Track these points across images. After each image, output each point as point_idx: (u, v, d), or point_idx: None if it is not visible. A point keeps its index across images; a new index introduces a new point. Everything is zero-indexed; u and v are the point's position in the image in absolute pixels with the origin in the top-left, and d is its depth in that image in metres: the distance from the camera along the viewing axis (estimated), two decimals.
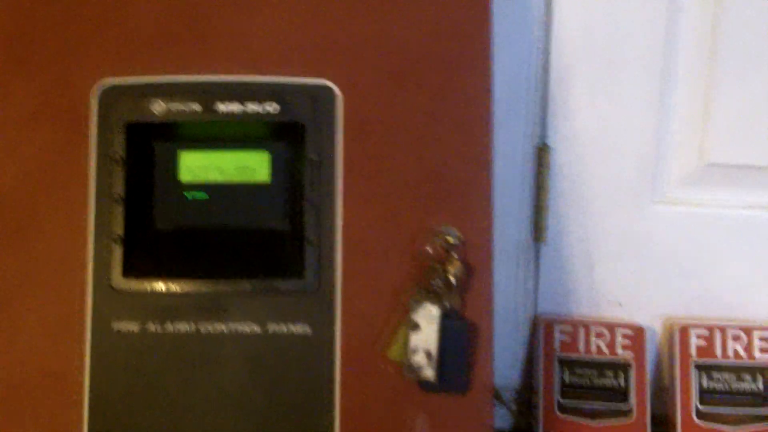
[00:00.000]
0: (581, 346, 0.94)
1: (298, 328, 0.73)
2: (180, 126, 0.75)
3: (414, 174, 0.75)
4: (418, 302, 0.72)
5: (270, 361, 0.72)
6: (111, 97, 0.74)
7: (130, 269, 0.73)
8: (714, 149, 0.93)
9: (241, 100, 0.74)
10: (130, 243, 0.73)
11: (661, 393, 0.97)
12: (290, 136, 0.75)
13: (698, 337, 0.94)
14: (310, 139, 0.74)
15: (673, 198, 0.95)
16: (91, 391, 0.72)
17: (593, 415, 0.93)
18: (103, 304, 0.73)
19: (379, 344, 0.73)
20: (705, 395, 0.92)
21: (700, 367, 0.93)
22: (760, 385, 0.93)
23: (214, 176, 0.76)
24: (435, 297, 0.72)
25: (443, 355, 0.72)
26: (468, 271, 0.74)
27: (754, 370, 0.93)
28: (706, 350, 0.93)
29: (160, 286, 0.73)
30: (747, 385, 0.93)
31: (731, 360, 0.93)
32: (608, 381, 0.93)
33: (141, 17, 0.75)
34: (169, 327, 0.72)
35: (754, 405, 0.92)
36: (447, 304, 0.73)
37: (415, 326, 0.71)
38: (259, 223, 0.76)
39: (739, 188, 0.95)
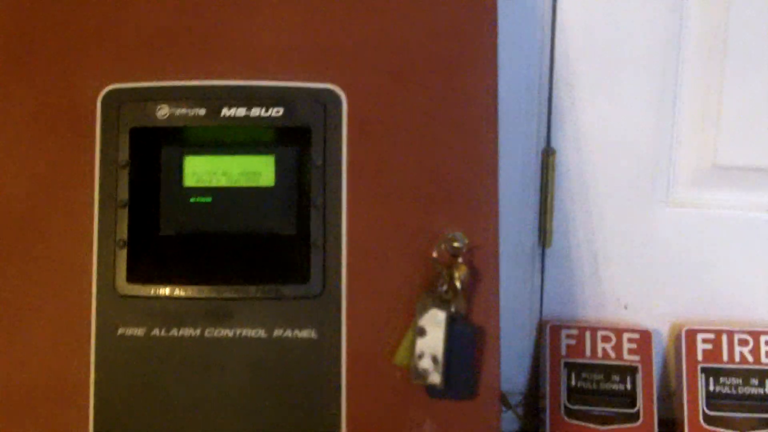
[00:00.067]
0: (588, 350, 0.94)
1: (304, 333, 0.72)
2: (185, 130, 0.75)
3: (419, 178, 0.75)
4: (424, 307, 0.72)
5: (275, 365, 0.72)
6: (116, 102, 0.74)
7: (135, 274, 0.73)
8: (721, 151, 0.93)
9: (246, 104, 0.74)
10: (134, 248, 0.73)
11: (668, 397, 0.96)
12: (295, 140, 0.75)
13: (705, 341, 0.94)
14: (315, 143, 0.74)
15: (680, 200, 0.95)
16: (96, 396, 0.72)
17: (600, 419, 0.92)
18: (108, 309, 0.72)
19: (385, 349, 0.73)
20: (712, 399, 0.92)
21: (707, 371, 0.93)
22: (767, 390, 0.92)
23: (218, 181, 0.76)
24: (441, 302, 0.72)
25: (450, 359, 0.72)
26: (474, 275, 0.74)
27: (761, 374, 0.93)
28: (713, 354, 0.93)
29: (164, 291, 0.73)
30: (754, 389, 0.92)
31: (738, 364, 0.93)
32: (615, 385, 0.93)
33: (146, 22, 0.75)
34: (174, 332, 0.72)
35: (761, 409, 0.92)
36: (453, 308, 0.72)
37: (421, 331, 0.71)
38: (264, 228, 0.76)
39: (747, 190, 0.94)
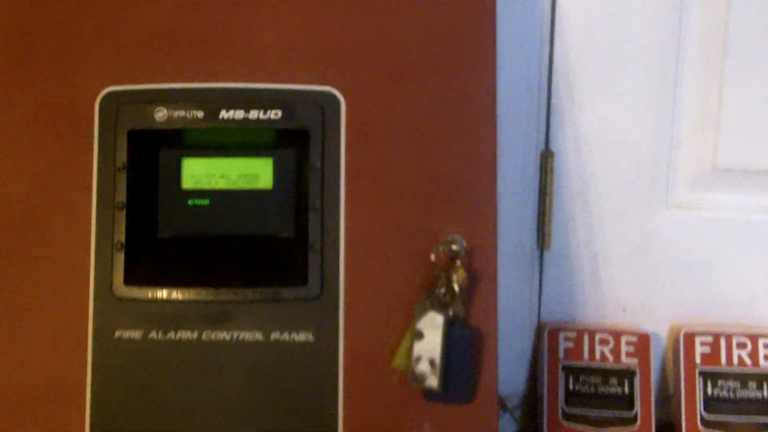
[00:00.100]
0: (586, 353, 0.94)
1: (302, 336, 0.72)
2: (183, 133, 0.75)
3: (418, 180, 0.75)
4: (422, 310, 0.72)
5: (273, 368, 0.72)
6: (114, 104, 0.74)
7: (133, 277, 0.73)
8: (721, 152, 0.93)
9: (244, 107, 0.74)
10: (132, 250, 0.73)
11: (666, 400, 0.96)
12: (293, 142, 0.75)
13: (703, 344, 0.94)
14: (314, 145, 0.74)
15: (680, 202, 0.94)
16: (93, 398, 0.72)
17: (598, 422, 0.92)
18: (105, 311, 0.72)
19: (383, 352, 0.73)
20: (710, 403, 0.92)
21: (705, 375, 0.93)
22: (766, 393, 0.92)
23: (217, 183, 0.76)
24: (439, 305, 0.72)
25: (447, 363, 0.71)
26: (472, 278, 0.74)
27: (759, 378, 0.93)
28: (712, 357, 0.93)
29: (162, 293, 0.73)
30: (752, 392, 0.92)
31: (736, 367, 0.93)
32: (613, 388, 0.93)
33: (144, 25, 0.75)
34: (172, 335, 0.72)
35: (759, 413, 0.92)
36: (451, 311, 0.72)
37: (419, 334, 0.71)
38: (263, 230, 0.76)
39: (747, 192, 0.94)
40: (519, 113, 0.92)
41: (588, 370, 0.94)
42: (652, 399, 0.93)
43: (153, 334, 0.72)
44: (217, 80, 0.75)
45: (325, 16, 0.76)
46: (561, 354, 0.94)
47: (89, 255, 0.73)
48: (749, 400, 0.92)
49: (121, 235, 0.73)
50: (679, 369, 0.93)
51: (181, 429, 0.72)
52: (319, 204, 0.74)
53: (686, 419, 0.92)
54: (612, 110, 0.92)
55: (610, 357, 0.94)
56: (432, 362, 0.71)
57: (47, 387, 0.72)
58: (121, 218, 0.73)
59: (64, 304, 0.73)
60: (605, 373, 0.93)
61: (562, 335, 0.94)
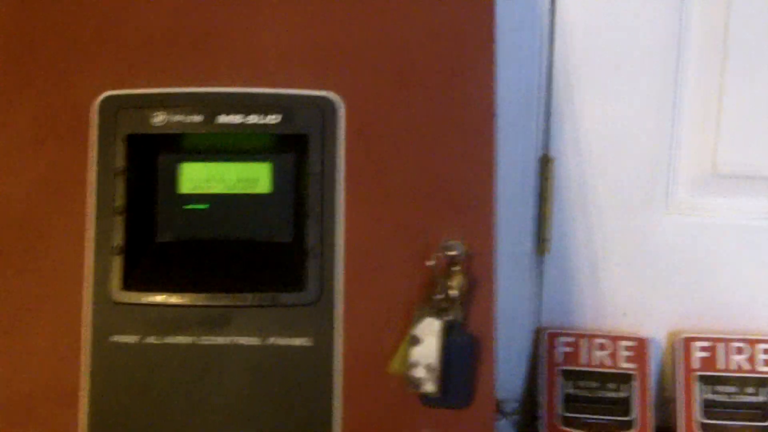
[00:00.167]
0: (584, 357, 0.94)
1: (299, 341, 0.72)
2: (181, 137, 0.75)
3: (417, 185, 0.75)
4: (420, 315, 0.72)
5: (270, 373, 0.72)
6: (112, 109, 0.74)
7: (130, 281, 0.73)
8: (722, 158, 0.93)
9: (243, 111, 0.74)
10: (130, 255, 0.73)
11: (665, 405, 0.96)
12: (292, 147, 0.75)
13: (701, 349, 0.94)
14: (312, 150, 0.74)
15: (680, 207, 0.94)
16: (90, 402, 0.72)
17: (596, 427, 0.93)
18: (103, 316, 0.72)
19: (381, 357, 0.73)
20: (708, 408, 0.92)
21: (703, 379, 0.93)
22: (763, 398, 0.92)
23: (215, 188, 0.76)
24: (437, 310, 0.72)
25: (445, 368, 0.71)
26: (470, 283, 0.73)
27: (757, 383, 0.93)
28: (710, 362, 0.93)
29: (159, 298, 0.73)
30: (750, 397, 0.92)
31: (734, 372, 0.93)
32: (611, 393, 0.93)
33: (143, 29, 0.75)
34: (169, 339, 0.72)
35: (757, 418, 0.92)
36: (449, 317, 0.72)
37: (416, 340, 0.71)
38: (261, 235, 0.76)
39: (747, 197, 0.94)
40: (518, 117, 0.92)
41: (586, 375, 0.94)
42: (650, 403, 0.93)
43: (150, 339, 0.72)
44: (215, 84, 0.75)
45: (324, 21, 0.76)
46: (559, 358, 0.94)
47: (87, 259, 0.73)
48: (747, 405, 0.92)
49: (118, 240, 0.73)
50: (677, 373, 0.93)
51: None
52: (318, 209, 0.74)
53: (684, 423, 0.92)
54: (612, 114, 0.92)
55: (609, 361, 0.94)
56: (429, 368, 0.71)
57: (44, 391, 0.72)
58: (119, 223, 0.73)
59: (61, 308, 0.73)
60: (603, 378, 0.94)
61: (560, 340, 0.94)
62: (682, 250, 0.95)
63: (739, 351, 0.93)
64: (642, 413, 0.92)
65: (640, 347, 0.94)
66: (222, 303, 0.72)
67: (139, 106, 0.74)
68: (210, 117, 0.74)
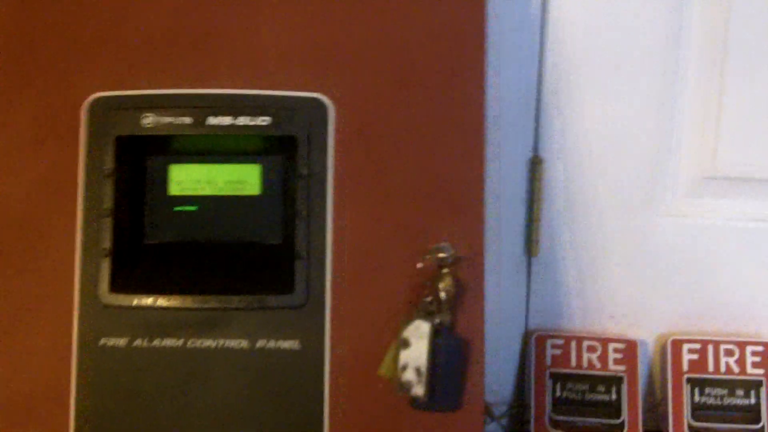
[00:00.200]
0: (573, 360, 0.94)
1: (287, 343, 0.72)
2: (171, 139, 0.75)
3: (405, 187, 0.75)
4: (409, 318, 0.72)
5: (259, 376, 0.72)
6: (101, 110, 0.74)
7: (118, 284, 0.72)
8: (722, 161, 0.93)
9: (232, 113, 0.74)
10: (118, 257, 0.73)
11: (654, 408, 0.96)
12: (281, 149, 0.75)
13: (691, 351, 0.94)
14: (302, 152, 0.74)
15: (674, 209, 0.95)
16: (77, 405, 0.72)
17: (585, 429, 0.93)
18: (91, 319, 0.72)
19: (369, 360, 0.73)
20: (697, 410, 0.92)
21: (692, 382, 0.93)
22: (753, 401, 0.92)
23: (204, 190, 0.76)
24: (426, 313, 0.72)
25: (434, 371, 0.71)
26: (459, 286, 0.73)
27: (747, 385, 0.93)
28: (699, 364, 0.93)
29: (148, 301, 0.72)
30: (739, 400, 0.93)
31: (724, 375, 0.93)
32: (600, 395, 0.93)
33: (133, 31, 0.75)
34: (157, 342, 0.72)
35: (746, 420, 0.92)
36: (438, 320, 0.72)
37: (405, 343, 0.71)
38: (250, 237, 0.76)
39: (745, 199, 0.94)
40: (509, 119, 0.92)
41: (575, 377, 0.94)
42: (640, 406, 0.93)
43: (138, 342, 0.72)
44: (205, 86, 0.75)
45: (314, 23, 0.76)
46: (548, 361, 0.94)
47: (75, 262, 0.73)
48: (736, 407, 0.93)
49: (107, 242, 0.73)
50: (666, 376, 0.93)
51: None
52: (307, 211, 0.74)
53: (673, 426, 0.92)
54: (609, 115, 0.92)
55: (598, 364, 0.94)
56: (418, 371, 0.71)
57: (33, 394, 0.72)
58: (108, 225, 0.73)
59: (49, 311, 0.72)
60: (593, 380, 0.94)
61: (549, 342, 0.94)
62: (676, 252, 0.95)
63: (729, 353, 0.94)
64: (631, 416, 0.92)
65: (629, 350, 0.94)
66: (211, 306, 0.72)
67: (128, 107, 0.74)
68: (199, 119, 0.74)
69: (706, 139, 0.92)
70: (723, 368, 0.93)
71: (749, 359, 0.93)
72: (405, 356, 0.71)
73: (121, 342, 0.72)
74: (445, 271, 0.73)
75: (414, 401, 0.72)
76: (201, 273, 0.74)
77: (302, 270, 0.73)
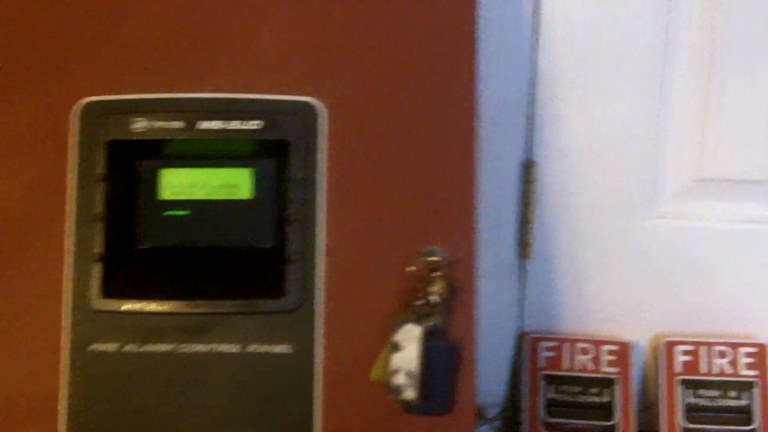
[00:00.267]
0: (566, 362, 0.94)
1: (279, 348, 0.72)
2: (162, 143, 0.75)
3: (398, 191, 0.75)
4: (400, 322, 0.72)
5: (251, 381, 0.72)
6: (92, 115, 0.74)
7: (110, 289, 0.72)
8: (710, 163, 0.93)
9: (224, 117, 0.74)
10: (110, 262, 0.73)
11: (647, 409, 0.96)
12: (273, 153, 0.75)
13: (684, 353, 0.94)
14: (294, 156, 0.74)
15: (665, 212, 0.95)
16: (68, 412, 0.71)
17: (578, 431, 0.93)
18: (82, 324, 0.72)
19: (362, 364, 0.73)
20: (691, 412, 0.92)
21: (685, 383, 0.93)
22: (746, 402, 0.92)
23: (196, 194, 0.76)
24: (417, 317, 0.72)
25: (426, 375, 0.71)
26: (451, 289, 0.73)
27: (740, 387, 0.93)
28: (692, 366, 0.93)
29: (139, 306, 0.72)
30: (732, 401, 0.93)
31: (717, 376, 0.93)
32: (593, 397, 0.93)
33: (124, 35, 0.75)
34: (148, 347, 0.72)
35: (740, 422, 0.92)
36: (430, 323, 0.72)
37: (397, 346, 0.71)
38: (242, 242, 0.75)
39: (733, 202, 0.94)
40: (501, 122, 0.92)
41: (569, 379, 0.94)
42: (633, 408, 0.93)
43: (129, 347, 0.72)
44: (196, 90, 0.74)
45: (306, 26, 0.76)
46: (542, 363, 0.94)
47: (66, 266, 0.72)
48: (729, 409, 0.93)
49: (98, 247, 0.72)
50: (659, 377, 0.94)
51: None
52: (299, 215, 0.73)
53: (667, 428, 0.92)
54: (597, 120, 0.92)
55: (591, 366, 0.94)
56: (409, 374, 0.71)
57: (22, 400, 0.72)
58: (99, 229, 0.72)
59: (39, 316, 0.72)
60: (586, 382, 0.94)
61: (542, 344, 0.94)
62: (670, 253, 0.95)
63: (722, 355, 0.94)
64: (625, 418, 0.92)
65: (622, 351, 0.94)
66: (202, 310, 0.72)
67: (119, 112, 0.74)
68: (191, 123, 0.74)
69: (699, 141, 0.92)
70: (716, 370, 0.93)
71: (742, 361, 0.93)
72: (396, 360, 0.71)
73: (112, 347, 0.72)
74: (437, 274, 0.73)
75: (406, 405, 0.72)
76: (192, 277, 0.74)
77: (294, 274, 0.73)
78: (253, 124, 0.74)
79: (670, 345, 0.94)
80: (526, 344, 0.95)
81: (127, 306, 0.72)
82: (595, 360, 0.94)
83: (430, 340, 0.72)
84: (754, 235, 0.95)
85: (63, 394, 0.72)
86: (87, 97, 0.74)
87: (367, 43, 0.76)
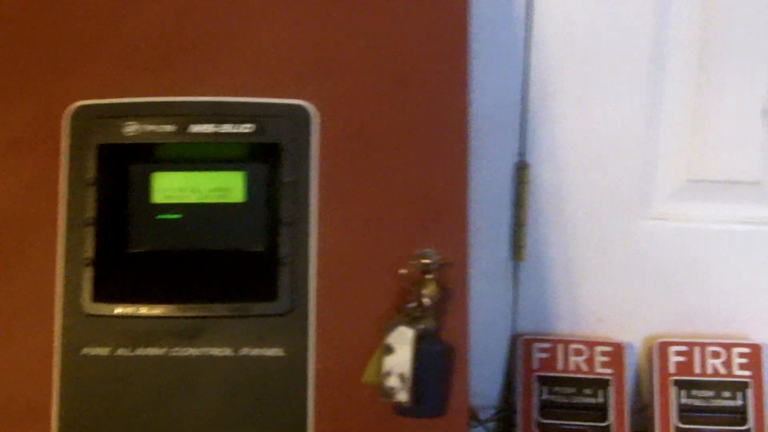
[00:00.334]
0: (560, 363, 0.94)
1: (272, 351, 0.72)
2: (154, 147, 0.75)
3: (390, 194, 0.75)
4: (393, 324, 0.72)
5: (243, 384, 0.72)
6: (83, 119, 0.74)
7: (101, 293, 0.72)
8: (701, 165, 0.93)
9: (216, 120, 0.74)
10: (101, 266, 0.73)
11: (641, 410, 0.96)
12: (265, 156, 0.75)
13: (677, 353, 0.94)
14: (286, 159, 0.74)
15: (659, 213, 0.95)
16: (61, 416, 0.71)
17: None
18: (74, 328, 0.72)
19: (354, 367, 0.73)
20: (685, 412, 0.92)
21: (679, 384, 0.93)
22: (740, 402, 0.92)
23: (188, 197, 0.76)
24: (410, 319, 0.72)
25: (418, 377, 0.71)
26: (444, 292, 0.73)
27: (734, 387, 0.93)
28: (686, 367, 0.93)
29: (130, 310, 0.72)
30: (726, 401, 0.93)
31: (711, 376, 0.93)
32: (587, 398, 0.93)
33: (116, 40, 0.75)
34: (140, 351, 0.72)
35: (733, 422, 0.92)
36: (422, 326, 0.72)
37: (389, 349, 0.71)
38: (234, 245, 0.75)
39: (725, 203, 0.94)
40: (495, 123, 0.92)
41: (563, 381, 0.94)
42: (627, 409, 0.93)
43: (121, 351, 0.72)
44: (187, 94, 0.74)
45: (298, 30, 0.76)
46: (535, 364, 0.94)
47: (57, 270, 0.72)
48: (723, 409, 0.93)
49: (89, 251, 0.72)
50: (653, 378, 0.94)
51: None
52: (291, 218, 0.73)
53: (660, 428, 0.92)
54: (590, 121, 0.92)
55: (585, 367, 0.94)
56: (402, 377, 0.71)
57: (13, 404, 0.72)
58: (90, 233, 0.72)
59: (31, 320, 0.72)
60: (580, 383, 0.94)
61: (536, 346, 0.94)
62: (663, 255, 0.95)
63: (716, 355, 0.94)
64: (618, 419, 0.93)
65: (616, 353, 0.94)
66: (194, 314, 0.72)
67: (110, 116, 0.74)
68: (182, 126, 0.74)
69: (691, 143, 0.93)
70: (710, 370, 0.93)
71: (736, 361, 0.94)
72: (389, 362, 0.71)
73: (104, 351, 0.72)
74: (429, 276, 0.73)
75: (399, 407, 0.72)
76: (184, 281, 0.74)
77: (286, 277, 0.73)
78: (245, 128, 0.74)
79: (664, 346, 0.94)
80: (519, 346, 0.95)
81: (119, 310, 0.72)
82: (589, 361, 0.94)
83: (422, 343, 0.72)
84: (747, 236, 0.95)
85: (55, 397, 0.72)
86: (78, 102, 0.74)
87: (359, 46, 0.76)
